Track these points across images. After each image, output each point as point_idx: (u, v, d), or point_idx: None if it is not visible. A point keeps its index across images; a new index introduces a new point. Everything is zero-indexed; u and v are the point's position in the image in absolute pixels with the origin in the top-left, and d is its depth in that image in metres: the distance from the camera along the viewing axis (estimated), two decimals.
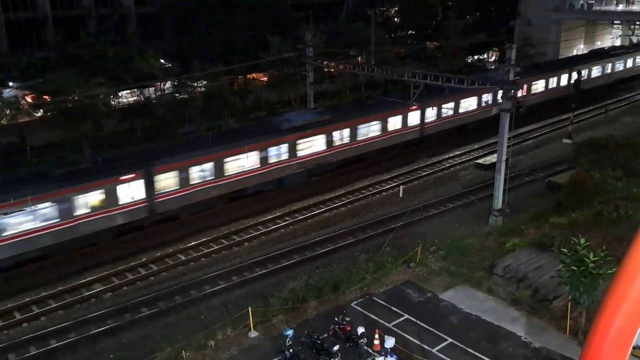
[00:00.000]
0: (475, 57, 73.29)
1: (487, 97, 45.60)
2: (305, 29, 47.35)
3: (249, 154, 32.79)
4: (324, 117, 36.96)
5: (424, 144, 42.91)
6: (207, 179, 31.65)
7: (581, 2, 72.75)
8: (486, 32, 68.34)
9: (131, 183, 28.80)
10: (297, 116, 37.22)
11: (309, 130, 35.43)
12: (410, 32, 74.52)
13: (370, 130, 38.91)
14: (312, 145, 35.85)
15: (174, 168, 30.37)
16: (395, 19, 77.65)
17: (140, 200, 29.29)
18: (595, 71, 56.09)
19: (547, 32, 68.64)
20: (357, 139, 38.24)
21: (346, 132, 37.47)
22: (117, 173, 28.55)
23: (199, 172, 31.31)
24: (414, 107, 39.92)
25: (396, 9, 77.93)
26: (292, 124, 35.15)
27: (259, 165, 33.50)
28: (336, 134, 37.02)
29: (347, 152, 38.01)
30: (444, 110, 42.99)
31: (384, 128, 39.58)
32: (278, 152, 34.28)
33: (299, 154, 35.28)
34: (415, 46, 68.19)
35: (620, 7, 75.95)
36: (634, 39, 70.19)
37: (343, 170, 38.29)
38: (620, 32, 79.16)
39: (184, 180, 30.76)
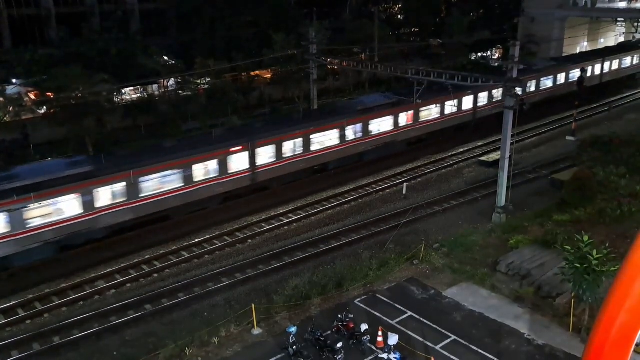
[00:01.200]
0: (479, 54, 73.26)
1: (354, 129, 36.89)
2: (309, 25, 47.30)
3: None
4: (83, 168, 27.11)
5: (260, 192, 33.92)
6: None
7: None
8: (490, 30, 68.24)
9: None
10: (36, 169, 27.00)
11: (46, 190, 25.52)
12: (414, 29, 74.51)
13: (165, 182, 29.17)
14: (58, 209, 26.15)
15: None
16: (399, 16, 77.66)
17: None
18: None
19: (551, 29, 68.44)
20: (141, 195, 28.37)
21: (120, 187, 27.64)
22: None
23: None
24: (237, 149, 31.39)
25: (400, 6, 77.98)
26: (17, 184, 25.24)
27: None
28: (102, 192, 27.17)
29: (124, 214, 28.07)
30: (286, 150, 33.72)
31: (188, 179, 29.83)
32: None
33: (33, 223, 25.51)
34: (419, 43, 68.17)
35: (624, 5, 75.74)
36: (638, 36, 69.99)
37: (344, 170, 38.00)
38: (624, 30, 78.95)
39: None
